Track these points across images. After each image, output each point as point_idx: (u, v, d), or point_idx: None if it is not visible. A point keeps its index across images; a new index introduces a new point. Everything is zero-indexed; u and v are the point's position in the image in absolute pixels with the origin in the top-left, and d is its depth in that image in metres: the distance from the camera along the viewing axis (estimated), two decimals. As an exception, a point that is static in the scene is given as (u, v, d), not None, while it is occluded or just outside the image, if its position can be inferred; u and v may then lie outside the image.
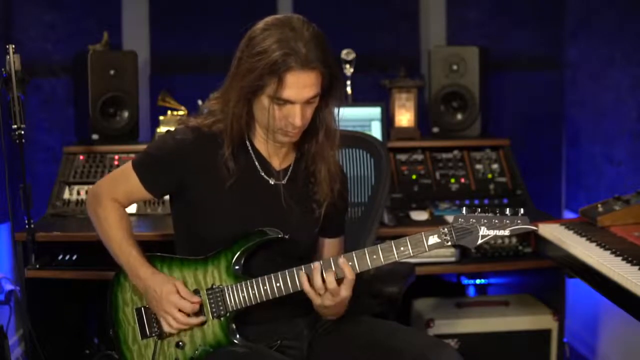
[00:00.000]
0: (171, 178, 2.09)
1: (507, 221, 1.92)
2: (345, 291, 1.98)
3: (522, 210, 1.92)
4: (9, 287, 3.10)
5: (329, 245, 2.25)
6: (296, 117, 1.96)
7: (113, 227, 2.12)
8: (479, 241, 1.93)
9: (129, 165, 2.13)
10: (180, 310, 2.02)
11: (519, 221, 1.91)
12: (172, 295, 2.02)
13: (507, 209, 1.93)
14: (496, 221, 1.92)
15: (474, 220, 1.93)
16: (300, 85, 1.93)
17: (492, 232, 1.92)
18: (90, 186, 2.27)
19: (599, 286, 2.16)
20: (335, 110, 2.07)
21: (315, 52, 1.92)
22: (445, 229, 1.95)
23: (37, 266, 2.93)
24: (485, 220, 1.93)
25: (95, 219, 2.17)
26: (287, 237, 2.06)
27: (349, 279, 1.97)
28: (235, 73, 2.00)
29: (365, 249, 1.99)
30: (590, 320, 3.60)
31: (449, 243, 1.95)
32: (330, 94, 2.04)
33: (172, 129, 2.20)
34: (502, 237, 1.94)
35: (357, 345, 2.08)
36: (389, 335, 2.08)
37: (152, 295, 2.05)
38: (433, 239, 1.95)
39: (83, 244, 3.01)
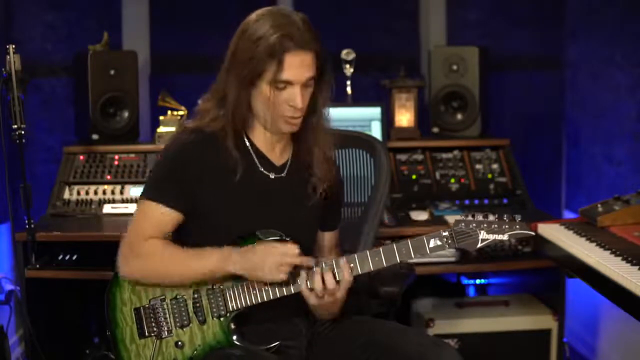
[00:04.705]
0: (185, 184, 2.05)
1: (506, 226, 1.96)
2: (340, 293, 2.00)
3: (519, 217, 1.97)
4: (9, 287, 3.10)
5: (329, 237, 2.27)
6: (297, 97, 1.98)
7: (167, 254, 2.05)
8: (479, 245, 1.97)
9: (140, 201, 2.08)
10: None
11: (517, 226, 1.96)
12: (272, 248, 1.98)
13: (505, 215, 1.97)
14: (495, 226, 1.97)
15: (474, 225, 1.97)
16: (299, 65, 1.97)
17: (491, 237, 1.97)
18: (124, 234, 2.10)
19: (599, 286, 2.16)
20: (328, 96, 2.10)
21: (308, 34, 1.98)
22: (446, 232, 1.98)
23: (37, 266, 2.93)
24: (485, 225, 1.97)
25: (145, 267, 2.06)
26: (288, 239, 2.05)
27: (346, 281, 1.99)
28: (232, 65, 2.02)
29: (367, 251, 2.01)
30: (590, 320, 3.60)
31: (450, 246, 1.98)
32: (323, 79, 2.07)
33: (171, 141, 2.15)
34: (502, 241, 1.99)
35: (357, 345, 2.09)
36: (389, 335, 2.08)
37: (252, 262, 1.98)
38: (434, 242, 1.99)
39: (83, 244, 3.01)
